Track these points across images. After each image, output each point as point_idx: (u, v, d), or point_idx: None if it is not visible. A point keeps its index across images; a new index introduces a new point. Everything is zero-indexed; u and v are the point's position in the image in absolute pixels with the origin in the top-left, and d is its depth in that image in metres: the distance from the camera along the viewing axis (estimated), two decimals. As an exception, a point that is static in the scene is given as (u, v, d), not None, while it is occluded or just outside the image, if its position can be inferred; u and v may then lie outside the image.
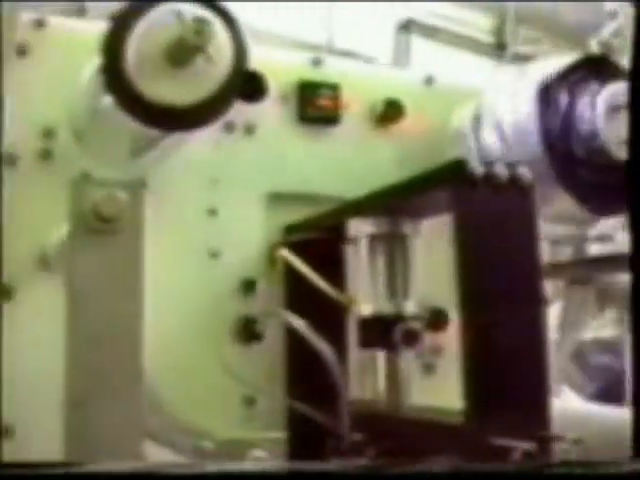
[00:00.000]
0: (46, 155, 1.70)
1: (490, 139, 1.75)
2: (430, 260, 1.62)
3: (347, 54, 5.57)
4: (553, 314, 2.79)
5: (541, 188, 1.34)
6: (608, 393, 3.39)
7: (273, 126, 1.88)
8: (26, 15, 1.73)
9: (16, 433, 1.61)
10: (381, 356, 1.61)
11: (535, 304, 1.31)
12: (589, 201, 1.70)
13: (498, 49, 7.63)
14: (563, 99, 1.72)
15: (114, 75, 1.30)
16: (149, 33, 1.29)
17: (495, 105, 1.80)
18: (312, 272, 1.66)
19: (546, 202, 1.57)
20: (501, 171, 1.30)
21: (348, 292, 1.65)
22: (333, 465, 1.37)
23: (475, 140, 1.80)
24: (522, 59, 6.50)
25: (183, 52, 1.28)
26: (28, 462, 1.16)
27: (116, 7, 1.33)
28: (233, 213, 1.81)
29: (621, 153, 1.64)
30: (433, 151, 1.89)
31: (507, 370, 1.25)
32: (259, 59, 1.40)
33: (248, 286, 1.81)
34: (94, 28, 1.62)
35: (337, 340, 1.58)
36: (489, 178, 1.30)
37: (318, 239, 1.71)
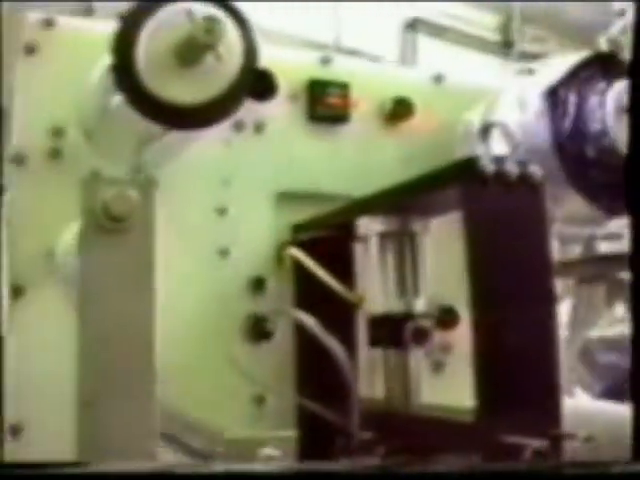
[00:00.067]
0: (55, 154, 1.70)
1: (499, 145, 1.75)
2: (439, 258, 1.62)
3: (354, 53, 5.57)
4: (563, 312, 2.78)
5: (551, 188, 1.34)
6: (615, 391, 3.38)
7: (282, 125, 1.88)
8: (34, 15, 1.73)
9: (24, 432, 1.61)
10: (390, 354, 1.61)
11: (546, 302, 1.31)
12: (600, 200, 1.70)
13: (504, 48, 7.62)
14: (572, 98, 1.72)
15: (124, 73, 1.30)
16: (159, 31, 1.28)
17: (503, 110, 1.80)
18: (321, 270, 1.65)
19: (557, 203, 1.57)
20: (512, 169, 1.30)
21: (357, 290, 1.65)
22: (344, 465, 1.37)
23: (484, 144, 1.80)
24: (528, 58, 6.49)
25: (193, 50, 1.28)
26: (39, 462, 1.16)
27: (124, 7, 1.33)
28: (242, 212, 1.82)
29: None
30: (442, 149, 1.89)
31: (518, 368, 1.25)
32: (268, 58, 1.40)
33: (257, 285, 1.81)
34: (102, 27, 1.62)
35: (346, 338, 1.58)
36: (500, 176, 1.29)
37: (327, 237, 1.71)
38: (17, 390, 1.61)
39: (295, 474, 1.08)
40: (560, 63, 1.79)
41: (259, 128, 1.85)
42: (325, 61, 1.94)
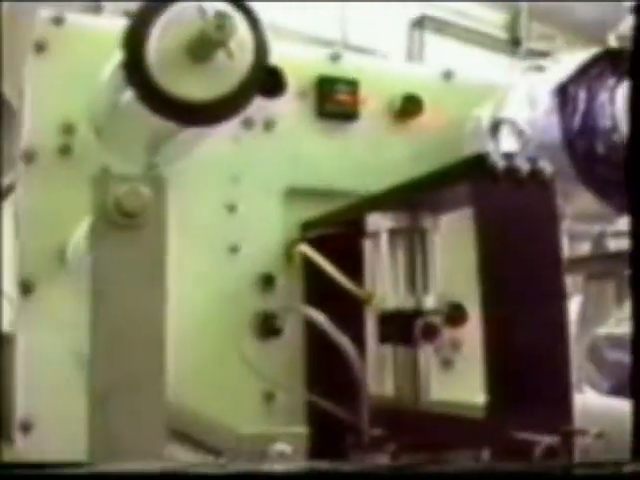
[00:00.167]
0: (65, 151, 1.70)
1: (509, 142, 1.75)
2: (448, 254, 1.62)
3: (361, 50, 5.56)
4: (572, 309, 2.78)
5: (561, 185, 1.34)
6: (623, 389, 3.37)
7: (292, 122, 1.88)
8: (44, 12, 1.73)
9: (35, 429, 1.62)
10: (400, 351, 1.61)
11: (557, 298, 1.31)
12: (609, 197, 1.70)
13: (512, 45, 7.61)
14: (582, 95, 1.72)
15: (135, 70, 1.29)
16: (170, 28, 1.28)
17: (513, 107, 1.80)
18: (331, 267, 1.66)
19: (566, 200, 1.57)
20: (522, 165, 1.30)
21: (366, 287, 1.65)
22: (357, 465, 1.37)
23: (494, 140, 1.80)
24: (536, 55, 6.49)
25: (204, 47, 1.28)
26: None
27: (132, 5, 1.33)
28: (252, 209, 1.82)
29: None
30: (451, 146, 1.89)
31: (529, 364, 1.25)
32: (277, 55, 1.40)
33: (267, 281, 1.81)
34: (112, 25, 1.62)
35: (355, 335, 1.58)
36: (510, 172, 1.29)
37: (336, 234, 1.72)
38: (27, 387, 1.62)
39: (309, 474, 1.08)
40: (569, 60, 1.79)
41: (268, 125, 1.86)
42: (334, 58, 1.94)
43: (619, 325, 3.30)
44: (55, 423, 1.60)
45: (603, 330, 3.36)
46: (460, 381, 1.73)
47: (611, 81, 1.74)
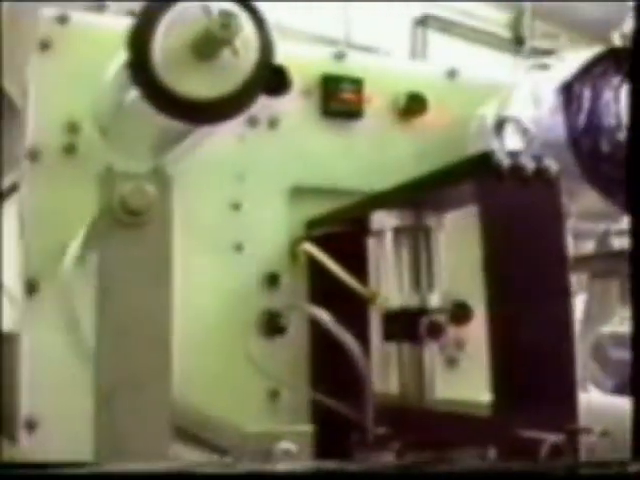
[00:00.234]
0: (70, 150, 1.70)
1: (513, 140, 1.75)
2: (452, 253, 1.62)
3: (364, 49, 5.56)
4: (577, 307, 2.78)
5: (566, 184, 1.34)
6: (626, 388, 3.36)
7: (296, 120, 1.88)
8: (48, 11, 1.73)
9: (40, 428, 1.62)
10: (405, 349, 1.61)
11: (562, 296, 1.31)
12: (614, 195, 1.69)
13: (515, 44, 7.60)
14: (587, 93, 1.72)
15: (140, 68, 1.30)
16: (175, 26, 1.29)
17: (518, 105, 1.80)
18: (336, 266, 1.66)
19: (571, 198, 1.57)
20: (527, 163, 1.30)
21: (371, 286, 1.65)
22: (364, 465, 1.37)
23: (498, 139, 1.80)
24: (539, 54, 6.48)
25: (210, 45, 1.28)
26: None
27: (136, 5, 1.34)
28: (256, 207, 1.82)
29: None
30: (455, 145, 1.89)
31: (534, 363, 1.25)
32: (282, 53, 1.40)
33: (272, 280, 1.81)
34: (116, 23, 1.63)
35: (360, 334, 1.58)
36: (515, 170, 1.29)
37: (341, 233, 1.72)
38: (31, 386, 1.62)
39: (316, 474, 1.08)
40: (574, 58, 1.79)
41: (273, 123, 1.86)
42: (339, 56, 1.94)
43: (623, 324, 3.29)
44: (59, 422, 1.60)
45: (607, 329, 3.35)
46: (464, 379, 1.73)
47: (615, 79, 1.74)
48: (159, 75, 1.29)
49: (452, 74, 2.04)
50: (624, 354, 3.53)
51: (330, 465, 1.09)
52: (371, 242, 1.69)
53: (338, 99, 1.90)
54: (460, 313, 1.67)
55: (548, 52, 5.63)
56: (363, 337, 1.60)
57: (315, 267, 1.73)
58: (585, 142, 1.68)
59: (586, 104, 1.71)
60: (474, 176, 1.36)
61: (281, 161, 1.86)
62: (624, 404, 1.38)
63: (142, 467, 1.05)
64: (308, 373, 1.78)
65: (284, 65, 1.41)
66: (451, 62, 2.10)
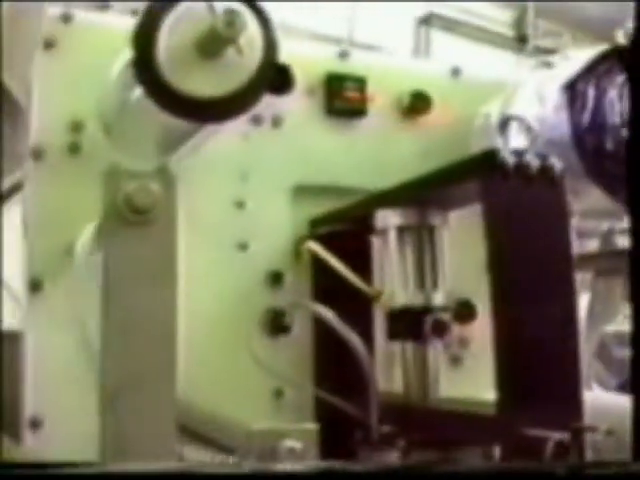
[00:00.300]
0: (74, 149, 1.70)
1: (517, 139, 1.75)
2: (456, 251, 1.62)
3: (367, 47, 5.56)
4: (582, 306, 2.77)
5: (570, 182, 1.34)
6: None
7: (300, 119, 1.88)
8: (52, 9, 1.73)
9: (44, 427, 1.62)
10: (409, 347, 1.61)
11: (567, 295, 1.31)
12: (619, 193, 1.69)
13: (518, 42, 7.61)
14: (591, 91, 1.72)
15: (145, 66, 1.30)
16: (180, 25, 1.28)
17: (522, 104, 1.80)
18: (339, 264, 1.66)
19: (575, 196, 1.57)
20: (532, 161, 1.30)
21: (375, 284, 1.65)
22: (370, 465, 1.37)
23: (503, 137, 1.80)
24: (543, 52, 6.48)
25: (214, 43, 1.28)
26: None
27: (139, 4, 1.34)
28: (260, 206, 1.82)
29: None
30: (459, 143, 1.89)
31: (539, 361, 1.25)
32: (285, 52, 1.40)
33: (275, 278, 1.81)
34: (120, 22, 1.63)
35: (364, 332, 1.58)
36: (520, 168, 1.29)
37: (345, 231, 1.72)
38: (35, 385, 1.62)
39: (322, 474, 1.08)
40: (578, 57, 1.78)
41: (277, 122, 1.86)
42: (342, 55, 1.94)
43: (627, 322, 3.29)
44: (64, 421, 1.60)
45: (611, 327, 3.35)
46: (468, 378, 1.73)
47: (620, 78, 1.74)
48: (163, 73, 1.29)
49: (456, 72, 2.04)
50: (628, 353, 3.53)
51: (336, 465, 1.09)
52: (375, 240, 1.69)
53: (342, 98, 1.90)
54: (464, 312, 1.67)
55: (551, 51, 5.62)
56: (367, 335, 1.60)
57: (319, 265, 1.73)
58: (589, 140, 1.68)
59: (590, 102, 1.71)
60: (478, 174, 1.36)
61: (285, 159, 1.86)
62: (628, 403, 1.38)
63: (144, 467, 1.05)
64: (312, 372, 1.78)
65: (288, 64, 1.40)
66: (454, 61, 2.10)
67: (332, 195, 1.82)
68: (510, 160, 1.29)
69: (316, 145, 1.89)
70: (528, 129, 1.48)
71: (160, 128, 1.47)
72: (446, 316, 1.55)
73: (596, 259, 2.52)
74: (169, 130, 1.47)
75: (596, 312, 2.95)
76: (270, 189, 1.83)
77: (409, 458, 1.46)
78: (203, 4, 1.27)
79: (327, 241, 1.73)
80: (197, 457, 1.40)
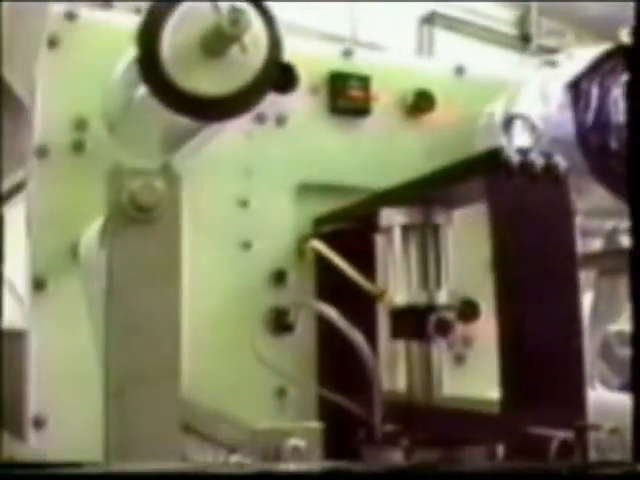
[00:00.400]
0: (78, 147, 1.70)
1: (521, 138, 1.75)
2: (460, 250, 1.61)
3: (370, 47, 5.56)
4: (586, 304, 2.77)
5: (574, 181, 1.34)
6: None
7: (304, 117, 1.88)
8: (57, 7, 1.73)
9: (48, 425, 1.62)
10: (413, 346, 1.61)
11: (571, 294, 1.31)
12: (623, 192, 1.69)
13: (521, 41, 7.60)
14: (595, 90, 1.72)
15: (149, 65, 1.30)
16: (184, 23, 1.28)
17: (526, 102, 1.80)
18: (343, 263, 1.65)
19: (579, 195, 1.57)
20: (536, 160, 1.30)
21: (379, 283, 1.65)
22: (375, 465, 1.37)
23: (507, 136, 1.79)
24: (546, 52, 6.48)
25: (219, 42, 1.28)
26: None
27: (143, 5, 1.34)
28: (264, 204, 1.82)
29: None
30: (463, 142, 1.89)
31: (543, 360, 1.25)
32: (289, 50, 1.40)
33: (279, 277, 1.81)
34: (124, 20, 1.63)
35: (368, 331, 1.58)
36: (525, 167, 1.29)
37: (348, 230, 1.72)
38: (39, 383, 1.62)
39: (328, 473, 1.07)
40: (582, 55, 1.78)
41: (280, 121, 1.86)
42: (346, 54, 1.94)
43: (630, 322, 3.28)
44: (67, 420, 1.60)
45: (614, 327, 3.34)
46: (472, 377, 1.73)
47: (623, 76, 1.74)
48: (168, 72, 1.29)
49: (460, 71, 2.04)
50: (627, 352, 3.52)
51: (341, 465, 1.09)
52: (379, 239, 1.69)
53: (346, 96, 1.90)
54: (468, 310, 1.67)
55: (554, 49, 5.62)
56: (371, 334, 1.60)
57: (323, 264, 1.73)
58: (593, 139, 1.68)
59: (594, 101, 1.70)
60: (483, 173, 1.35)
61: (288, 158, 1.86)
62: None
63: (148, 468, 1.05)
64: (316, 370, 1.78)
65: (292, 62, 1.40)
66: (457, 60, 2.10)
67: (336, 194, 1.82)
68: (514, 159, 1.29)
69: (320, 144, 1.89)
70: (532, 128, 1.47)
71: (164, 126, 1.47)
72: (450, 315, 1.54)
73: (600, 258, 2.51)
74: (173, 128, 1.47)
75: (600, 311, 2.94)
76: (274, 188, 1.83)
77: (413, 457, 1.46)
78: (208, 2, 1.27)
79: (331, 240, 1.73)
80: (201, 456, 1.40)
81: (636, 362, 1.25)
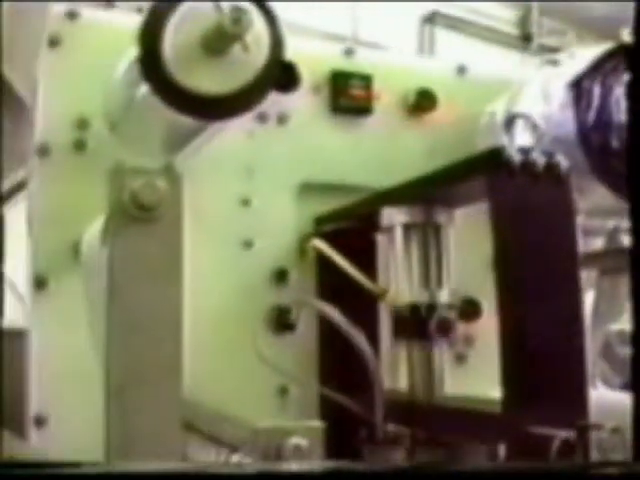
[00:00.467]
0: (79, 146, 1.70)
1: (523, 137, 1.75)
2: (461, 249, 1.61)
3: (372, 46, 5.55)
4: (587, 303, 2.77)
5: (576, 180, 1.34)
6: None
7: (305, 116, 1.88)
8: (58, 7, 1.73)
9: (49, 423, 1.62)
10: (414, 346, 1.61)
11: (573, 293, 1.30)
12: (624, 191, 1.69)
13: (523, 41, 7.60)
14: (596, 89, 1.72)
15: (151, 64, 1.30)
16: (186, 22, 1.29)
17: (528, 102, 1.80)
18: (345, 262, 1.65)
19: (581, 194, 1.57)
20: (538, 159, 1.30)
21: (380, 282, 1.65)
22: (377, 465, 1.37)
23: (508, 135, 1.79)
24: (547, 51, 6.47)
25: (220, 41, 1.28)
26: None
27: (144, 4, 1.34)
28: (266, 203, 1.82)
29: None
30: (465, 141, 1.89)
31: (545, 359, 1.25)
32: (291, 49, 1.40)
33: (280, 276, 1.81)
34: (126, 20, 1.63)
35: (369, 330, 1.58)
36: (526, 166, 1.29)
37: (349, 229, 1.72)
38: (40, 382, 1.62)
39: (329, 473, 1.07)
40: (583, 55, 1.78)
41: (282, 120, 1.86)
42: (348, 53, 1.94)
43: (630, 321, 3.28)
44: (69, 419, 1.60)
45: (615, 326, 3.34)
46: (474, 376, 1.73)
47: (625, 76, 1.74)
48: (169, 71, 1.29)
49: (461, 70, 2.04)
50: (628, 351, 3.52)
51: (343, 465, 1.09)
52: (380, 238, 1.69)
53: (347, 95, 1.90)
54: (469, 310, 1.67)
55: (555, 49, 5.62)
56: (372, 333, 1.60)
57: (324, 263, 1.73)
58: (595, 138, 1.68)
59: (596, 100, 1.70)
60: (484, 172, 1.35)
61: (290, 157, 1.86)
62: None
63: (149, 467, 1.05)
64: (317, 369, 1.78)
65: (294, 61, 1.40)
66: (459, 59, 2.10)
67: (337, 193, 1.82)
68: (516, 158, 1.29)
69: (322, 143, 1.89)
70: (534, 127, 1.47)
71: (166, 125, 1.47)
72: (451, 314, 1.54)
73: (601, 257, 2.51)
74: (175, 127, 1.47)
75: (601, 310, 2.94)
76: (275, 187, 1.83)
77: (414, 456, 1.46)
78: (209, 2, 1.27)
79: (332, 239, 1.73)
80: (202, 455, 1.40)
81: (636, 361, 1.24)
